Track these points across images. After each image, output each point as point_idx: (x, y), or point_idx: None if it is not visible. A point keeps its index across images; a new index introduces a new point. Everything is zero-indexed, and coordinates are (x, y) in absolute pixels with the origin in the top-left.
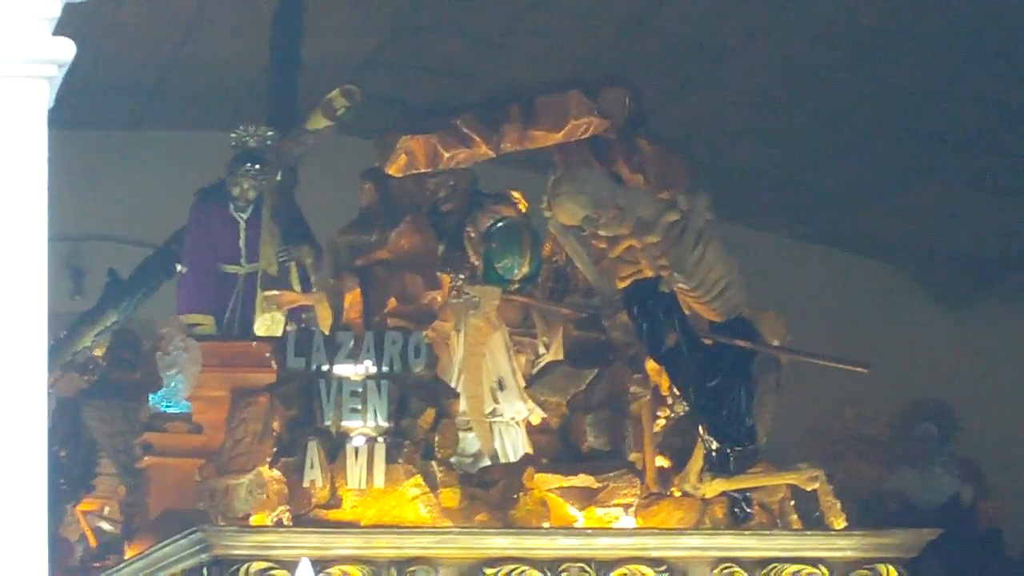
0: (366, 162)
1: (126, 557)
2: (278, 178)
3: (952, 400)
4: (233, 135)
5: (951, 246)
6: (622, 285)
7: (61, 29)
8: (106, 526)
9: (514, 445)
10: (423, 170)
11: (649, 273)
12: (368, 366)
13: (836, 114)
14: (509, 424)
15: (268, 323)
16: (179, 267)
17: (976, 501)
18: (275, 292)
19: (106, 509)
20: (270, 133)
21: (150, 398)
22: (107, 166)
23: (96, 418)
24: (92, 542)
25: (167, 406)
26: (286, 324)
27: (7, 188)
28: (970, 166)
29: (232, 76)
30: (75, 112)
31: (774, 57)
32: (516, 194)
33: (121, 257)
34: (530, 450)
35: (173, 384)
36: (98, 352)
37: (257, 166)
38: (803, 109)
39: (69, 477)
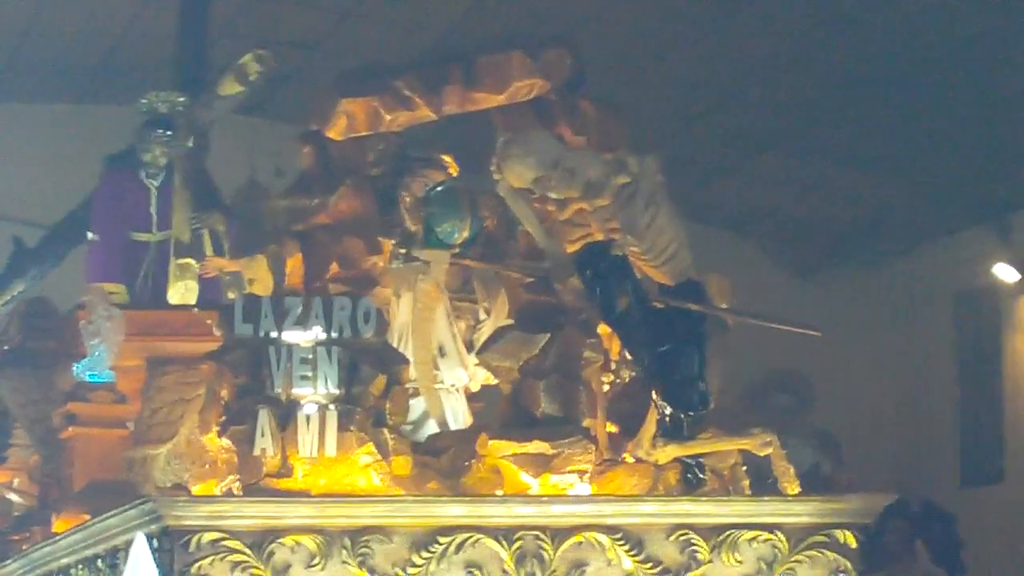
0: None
1: (55, 530)
2: (189, 144)
3: (808, 371)
4: (143, 100)
5: (804, 216)
6: (571, 249)
7: None
8: (16, 498)
9: (454, 412)
10: (363, 133)
11: (599, 236)
12: (318, 332)
13: (686, 85)
14: (450, 391)
15: (182, 291)
16: (90, 235)
17: (832, 473)
18: (194, 260)
19: (15, 481)
20: (181, 99)
21: (74, 368)
22: None
23: (9, 388)
24: None
25: (91, 376)
26: (231, 291)
27: None
28: (821, 136)
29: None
30: None
31: (633, 29)
32: (447, 158)
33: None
34: (470, 418)
35: (97, 353)
36: (9, 321)
37: (168, 132)
38: (653, 78)
39: None
